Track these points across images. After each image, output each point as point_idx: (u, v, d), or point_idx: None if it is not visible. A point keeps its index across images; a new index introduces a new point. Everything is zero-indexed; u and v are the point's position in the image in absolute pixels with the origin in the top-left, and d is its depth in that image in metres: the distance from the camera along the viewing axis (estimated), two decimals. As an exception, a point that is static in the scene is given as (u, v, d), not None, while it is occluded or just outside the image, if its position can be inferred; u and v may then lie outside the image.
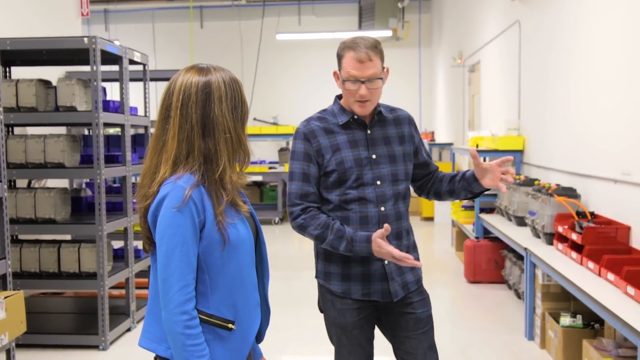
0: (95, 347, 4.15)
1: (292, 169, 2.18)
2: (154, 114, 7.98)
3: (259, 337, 1.81)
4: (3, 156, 3.40)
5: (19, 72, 5.15)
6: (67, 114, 4.19)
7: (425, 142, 10.18)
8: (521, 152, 5.84)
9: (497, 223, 5.24)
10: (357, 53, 2.07)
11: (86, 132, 5.98)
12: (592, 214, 3.89)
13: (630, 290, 2.86)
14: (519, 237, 4.53)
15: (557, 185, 4.40)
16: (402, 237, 2.22)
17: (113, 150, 5.59)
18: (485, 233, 5.84)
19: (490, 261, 5.71)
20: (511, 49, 6.25)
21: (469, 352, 4.06)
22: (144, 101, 5.06)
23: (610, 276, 3.12)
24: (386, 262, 2.17)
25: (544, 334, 4.00)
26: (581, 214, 3.91)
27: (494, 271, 5.70)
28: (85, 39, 4.06)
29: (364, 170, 2.16)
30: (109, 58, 4.39)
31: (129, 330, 4.50)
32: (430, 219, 9.69)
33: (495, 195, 5.79)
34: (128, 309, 4.53)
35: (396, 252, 2.02)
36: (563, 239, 3.95)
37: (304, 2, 12.14)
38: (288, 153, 10.76)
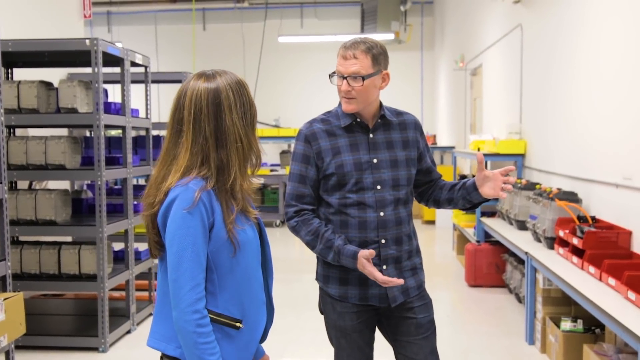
0: (95, 349, 4.14)
1: (291, 169, 2.20)
2: (155, 116, 7.99)
3: (263, 336, 1.82)
4: (4, 157, 3.41)
5: (20, 73, 5.16)
6: (69, 115, 4.20)
7: (427, 145, 10.16)
8: (523, 156, 5.83)
9: (498, 227, 5.23)
10: (344, 50, 2.11)
11: (87, 134, 5.99)
12: (593, 218, 3.88)
13: (631, 295, 2.85)
14: (520, 241, 4.52)
15: (559, 189, 4.39)
16: (403, 243, 2.20)
17: (114, 152, 5.59)
18: (487, 237, 5.83)
19: (491, 265, 5.70)
20: (513, 52, 6.24)
21: (469, 356, 4.05)
22: (146, 103, 5.06)
23: (611, 281, 3.11)
24: (384, 267, 2.16)
25: (544, 339, 3.99)
26: (582, 219, 3.90)
27: (494, 275, 5.69)
28: (87, 41, 4.06)
29: (364, 174, 2.15)
30: (111, 60, 4.39)
31: (128, 332, 4.50)
32: (432, 222, 9.68)
33: (496, 199, 5.77)
34: (128, 311, 4.52)
35: (379, 275, 2.03)
36: (564, 243, 3.94)
37: (306, 4, 12.16)
38: (289, 156, 10.77)
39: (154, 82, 5.42)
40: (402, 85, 11.81)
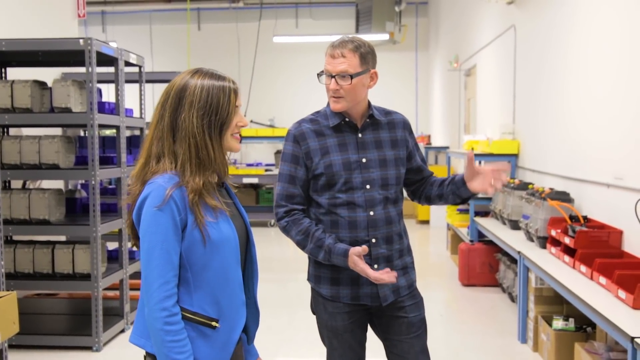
0: (89, 348, 4.15)
1: (281, 170, 2.21)
2: (149, 116, 7.97)
3: (249, 338, 1.82)
4: (-3, 157, 3.41)
5: (14, 73, 5.16)
6: (62, 115, 4.19)
7: (422, 145, 10.19)
8: (516, 156, 5.86)
9: (491, 226, 5.26)
10: (332, 49, 2.12)
11: (81, 134, 5.98)
12: (585, 218, 3.91)
13: (622, 294, 2.88)
14: (513, 240, 4.55)
15: (551, 189, 4.42)
16: (393, 242, 2.21)
17: (108, 152, 5.59)
18: (480, 236, 5.85)
19: (484, 264, 5.73)
20: (507, 53, 6.27)
21: (462, 355, 4.07)
22: (140, 103, 5.06)
23: (602, 280, 3.13)
24: (375, 266, 2.17)
25: (536, 337, 4.01)
26: (574, 218, 3.93)
27: (488, 274, 5.71)
28: (81, 41, 4.06)
29: (353, 174, 2.15)
30: (105, 60, 4.39)
31: (122, 331, 4.50)
32: (426, 222, 9.70)
33: (489, 199, 5.81)
34: (122, 310, 4.53)
35: (370, 272, 2.04)
36: (556, 242, 3.97)
37: (301, 5, 12.17)
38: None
39: (148, 81, 5.42)
40: (397, 86, 11.84)
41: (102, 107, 4.40)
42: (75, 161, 4.46)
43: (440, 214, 8.85)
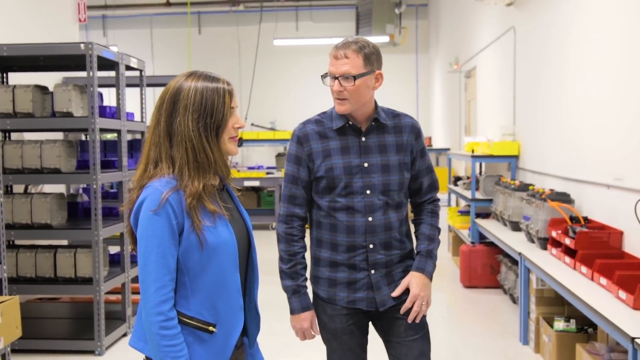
0: (91, 352, 4.15)
1: (285, 170, 2.21)
2: (150, 120, 7.99)
3: (250, 343, 1.81)
4: (-1, 162, 3.42)
5: (15, 77, 5.17)
6: (64, 119, 4.21)
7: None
8: (516, 157, 5.87)
9: (492, 228, 5.26)
10: (336, 50, 2.09)
11: (83, 138, 6.00)
12: (585, 218, 3.91)
13: (622, 294, 2.88)
14: (514, 242, 4.55)
15: (551, 190, 4.43)
16: (392, 247, 2.17)
17: (110, 156, 5.60)
18: (481, 238, 5.86)
19: (485, 266, 5.73)
20: (506, 55, 6.28)
21: (464, 356, 4.07)
22: (141, 107, 5.08)
23: (603, 280, 3.14)
24: (372, 271, 2.15)
25: (538, 339, 4.02)
26: (574, 219, 3.94)
27: (489, 276, 5.72)
28: (82, 45, 4.08)
29: (354, 178, 2.12)
30: (106, 64, 4.41)
31: (124, 335, 4.51)
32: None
33: (490, 201, 5.82)
34: (124, 314, 4.53)
35: (308, 335, 2.21)
36: (557, 243, 3.97)
37: (301, 8, 12.20)
38: (285, 158, 10.78)
39: (149, 85, 5.44)
40: (398, 88, 11.86)
41: (103, 111, 4.42)
42: (76, 165, 4.47)
43: (441, 216, 8.81)
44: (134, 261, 4.80)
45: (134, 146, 5.68)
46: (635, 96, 3.43)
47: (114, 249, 5.36)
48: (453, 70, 9.01)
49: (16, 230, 4.22)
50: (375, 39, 10.54)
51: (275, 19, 11.91)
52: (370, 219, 2.13)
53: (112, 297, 5.15)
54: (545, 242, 4.15)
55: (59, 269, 4.23)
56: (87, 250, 4.21)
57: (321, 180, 2.15)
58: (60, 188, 5.62)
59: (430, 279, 2.22)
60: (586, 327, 3.68)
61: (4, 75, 5.00)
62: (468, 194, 6.31)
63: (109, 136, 7.10)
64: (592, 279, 3.28)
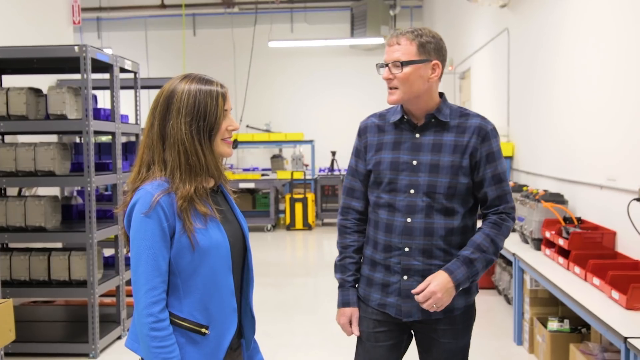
0: (86, 355, 4.14)
1: (349, 163, 2.19)
2: (145, 122, 7.98)
3: (247, 345, 1.81)
4: (-7, 164, 3.41)
5: (9, 80, 5.17)
6: (58, 122, 4.20)
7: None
8: (510, 158, 5.89)
9: (486, 229, 5.27)
10: (390, 38, 2.00)
11: (77, 140, 5.99)
12: (578, 219, 3.93)
13: (615, 294, 2.89)
14: (508, 242, 4.56)
15: (545, 191, 4.45)
16: (433, 256, 1.99)
17: (104, 158, 5.60)
18: (476, 239, 5.86)
19: (480, 267, 5.74)
20: (500, 56, 6.31)
21: (458, 357, 4.08)
22: (135, 109, 5.08)
23: (596, 281, 3.15)
24: (405, 277, 2.01)
25: (532, 339, 4.03)
26: (568, 220, 3.95)
27: (484, 277, 5.73)
28: (76, 48, 4.08)
29: (400, 175, 2.00)
30: (100, 66, 4.41)
31: (119, 338, 4.50)
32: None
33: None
34: (119, 317, 4.53)
35: (348, 330, 2.11)
36: (550, 244, 3.99)
37: (296, 9, 12.20)
38: (280, 160, 10.79)
39: (143, 87, 5.43)
40: (392, 89, 11.86)
41: (98, 114, 4.41)
42: (71, 168, 4.47)
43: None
44: (128, 264, 4.80)
45: (129, 149, 5.68)
46: (628, 98, 3.45)
47: (108, 252, 5.36)
48: (447, 72, 9.04)
49: (10, 233, 4.20)
50: (370, 41, 10.58)
51: (270, 20, 11.91)
52: (409, 220, 1.99)
53: (107, 300, 5.14)
54: (539, 243, 4.17)
55: (53, 271, 4.22)
56: (81, 253, 4.20)
57: (371, 174, 2.08)
58: (54, 191, 5.61)
59: (457, 287, 1.94)
60: (580, 327, 3.70)
61: (-2, 77, 4.98)
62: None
63: (104, 139, 7.09)
64: (585, 279, 3.30)
